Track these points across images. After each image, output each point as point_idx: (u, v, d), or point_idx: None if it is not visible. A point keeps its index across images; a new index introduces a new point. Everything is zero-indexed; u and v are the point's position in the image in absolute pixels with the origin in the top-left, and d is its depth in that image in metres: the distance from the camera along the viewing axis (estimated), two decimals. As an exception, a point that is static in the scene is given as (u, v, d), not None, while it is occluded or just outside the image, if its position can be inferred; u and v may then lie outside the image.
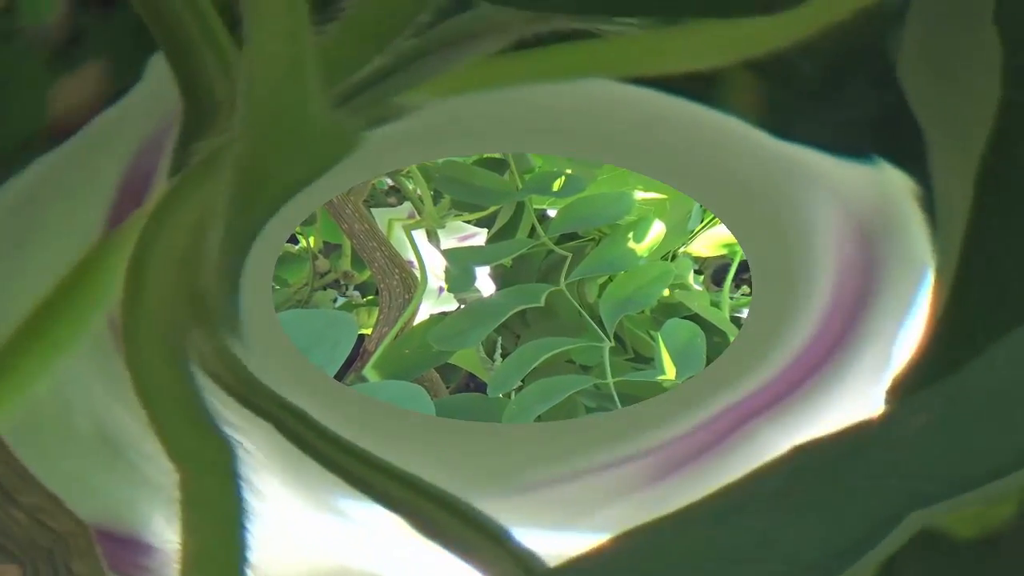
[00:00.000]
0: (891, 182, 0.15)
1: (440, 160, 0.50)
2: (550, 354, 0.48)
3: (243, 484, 0.13)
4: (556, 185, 0.51)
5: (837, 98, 0.15)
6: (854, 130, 0.15)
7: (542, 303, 0.50)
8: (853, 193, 0.15)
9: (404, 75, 0.14)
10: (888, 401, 0.13)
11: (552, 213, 0.54)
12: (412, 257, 0.54)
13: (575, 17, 0.14)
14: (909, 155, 0.14)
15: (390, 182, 0.56)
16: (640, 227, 0.52)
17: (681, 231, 0.53)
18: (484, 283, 0.55)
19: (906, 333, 0.14)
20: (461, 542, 0.12)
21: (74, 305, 0.14)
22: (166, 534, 0.14)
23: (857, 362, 0.15)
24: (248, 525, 0.13)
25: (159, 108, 0.16)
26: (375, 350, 0.50)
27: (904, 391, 0.12)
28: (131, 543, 0.15)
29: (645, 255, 0.52)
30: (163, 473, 0.13)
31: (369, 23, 0.14)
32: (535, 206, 0.53)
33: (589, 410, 0.51)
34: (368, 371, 0.50)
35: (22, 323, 0.14)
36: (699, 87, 0.15)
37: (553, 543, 0.14)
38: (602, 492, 0.13)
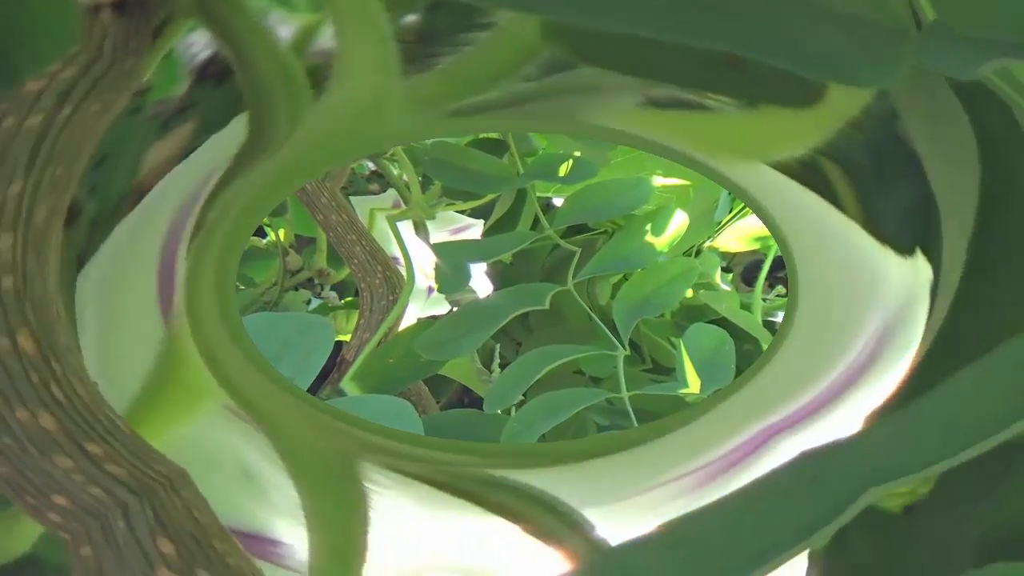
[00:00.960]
0: (919, 273, 0.19)
1: (429, 141, 0.49)
2: (556, 364, 0.46)
3: (372, 514, 0.17)
4: (563, 169, 0.49)
5: (888, 185, 0.19)
6: (903, 219, 0.19)
7: (546, 305, 0.47)
8: (898, 291, 0.19)
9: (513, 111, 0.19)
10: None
11: (558, 202, 0.53)
12: (397, 252, 0.52)
13: (675, 87, 0.18)
14: (933, 241, 0.19)
15: (371, 166, 0.54)
16: (659, 218, 0.50)
17: (707, 222, 0.52)
18: (480, 282, 0.54)
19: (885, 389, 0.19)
20: (558, 539, 0.17)
21: (161, 408, 0.18)
22: (293, 531, 0.17)
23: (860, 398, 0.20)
24: (369, 530, 0.17)
25: (204, 169, 0.19)
26: (354, 359, 0.48)
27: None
28: (260, 538, 0.18)
29: (665, 250, 0.50)
30: (295, 504, 0.17)
31: (458, 77, 0.18)
32: (539, 194, 0.51)
33: (600, 428, 0.50)
34: (347, 384, 0.47)
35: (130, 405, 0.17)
36: (812, 177, 0.19)
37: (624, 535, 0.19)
38: (664, 497, 0.19)
